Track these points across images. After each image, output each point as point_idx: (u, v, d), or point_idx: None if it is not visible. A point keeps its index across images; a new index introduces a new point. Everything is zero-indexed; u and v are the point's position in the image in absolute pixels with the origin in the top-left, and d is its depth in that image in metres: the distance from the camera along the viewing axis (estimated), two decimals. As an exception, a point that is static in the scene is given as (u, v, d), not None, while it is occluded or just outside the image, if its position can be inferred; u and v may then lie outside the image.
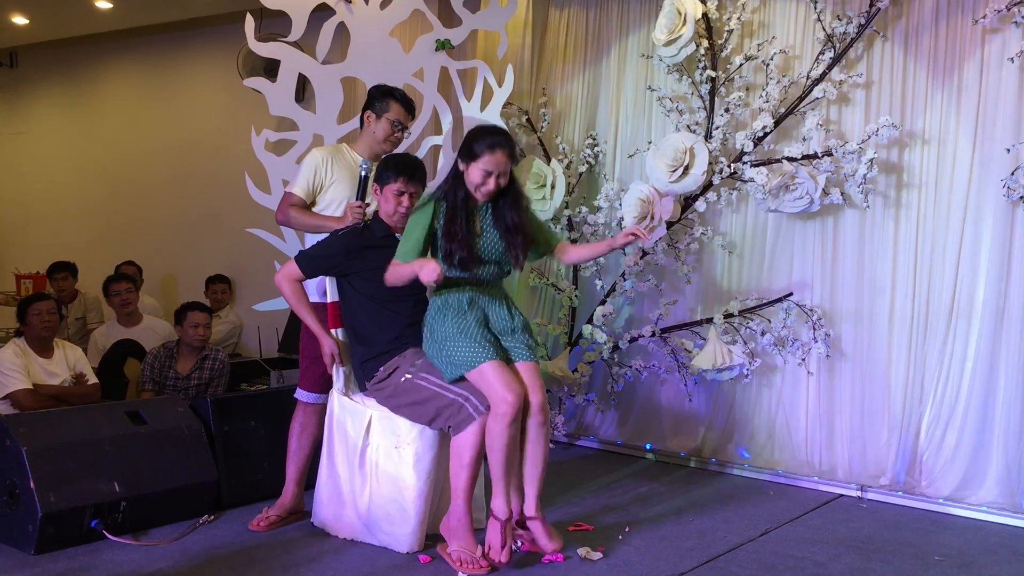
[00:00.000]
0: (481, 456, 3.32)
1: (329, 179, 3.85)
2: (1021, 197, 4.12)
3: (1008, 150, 4.16)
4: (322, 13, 4.62)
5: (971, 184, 4.31)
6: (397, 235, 3.60)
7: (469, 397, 3.28)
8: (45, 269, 6.76)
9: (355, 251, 3.56)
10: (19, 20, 7.16)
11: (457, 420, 3.28)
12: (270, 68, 5.64)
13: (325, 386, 3.84)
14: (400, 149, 3.98)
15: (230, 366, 5.18)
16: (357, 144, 3.95)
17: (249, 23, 4.46)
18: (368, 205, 3.76)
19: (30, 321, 4.63)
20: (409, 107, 3.94)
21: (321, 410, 3.88)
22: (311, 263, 3.59)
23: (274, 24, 5.24)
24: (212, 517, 3.80)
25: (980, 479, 4.26)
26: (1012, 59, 4.15)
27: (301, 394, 3.89)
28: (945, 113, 4.39)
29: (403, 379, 3.44)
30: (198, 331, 4.92)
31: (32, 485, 3.33)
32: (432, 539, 3.46)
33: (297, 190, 3.84)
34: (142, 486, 3.62)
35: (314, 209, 3.87)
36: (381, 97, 3.90)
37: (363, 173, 3.74)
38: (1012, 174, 4.13)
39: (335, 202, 3.85)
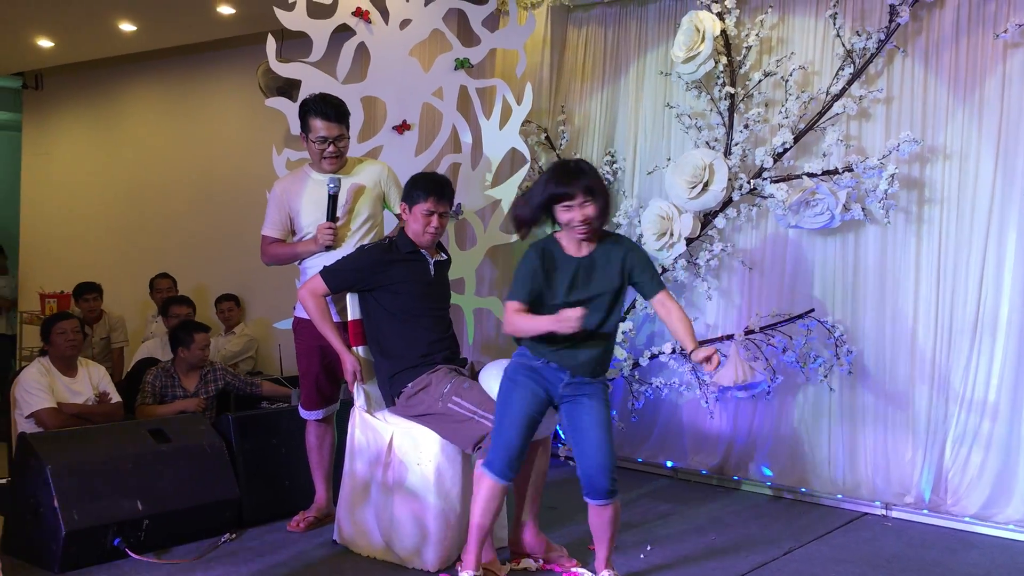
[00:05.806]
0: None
1: (294, 209, 3.80)
2: (1045, 212, 4.10)
3: (1031, 165, 4.14)
4: (342, 34, 4.66)
5: (994, 199, 4.28)
6: (423, 251, 3.61)
7: None
8: (69, 288, 6.81)
9: (380, 265, 3.56)
10: (44, 43, 7.25)
11: (488, 446, 3.25)
12: (287, 88, 5.68)
13: (322, 401, 3.89)
14: (425, 167, 3.95)
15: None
16: (312, 163, 3.88)
17: (270, 44, 4.50)
18: (339, 221, 3.73)
19: (54, 340, 4.66)
20: (331, 116, 3.70)
21: (330, 420, 3.94)
22: (336, 277, 3.60)
23: (294, 46, 5.28)
24: (234, 535, 3.81)
25: (1007, 497, 4.20)
26: (1034, 73, 4.14)
27: (302, 412, 3.94)
28: (967, 128, 4.36)
29: (436, 400, 3.43)
30: (206, 352, 4.94)
31: (55, 503, 3.36)
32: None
33: (268, 231, 3.86)
34: (164, 504, 3.64)
35: (295, 239, 3.86)
36: (303, 117, 3.77)
37: (331, 191, 3.70)
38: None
39: (313, 227, 3.80)
